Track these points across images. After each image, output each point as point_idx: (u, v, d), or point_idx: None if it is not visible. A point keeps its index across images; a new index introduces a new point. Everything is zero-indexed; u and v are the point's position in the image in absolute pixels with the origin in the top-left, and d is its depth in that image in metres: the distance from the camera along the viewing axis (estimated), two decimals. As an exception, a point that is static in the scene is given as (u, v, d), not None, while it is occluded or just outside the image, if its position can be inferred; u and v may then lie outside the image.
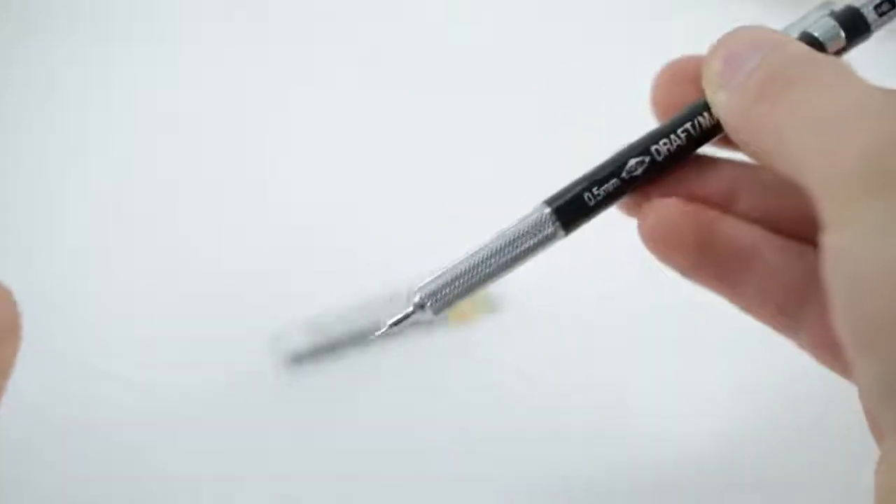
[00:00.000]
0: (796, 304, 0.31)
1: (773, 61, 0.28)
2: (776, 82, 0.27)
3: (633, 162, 0.31)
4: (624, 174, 0.31)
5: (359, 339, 0.57)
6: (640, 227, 0.31)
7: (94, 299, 0.60)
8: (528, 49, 0.70)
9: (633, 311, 0.59)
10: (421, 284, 0.32)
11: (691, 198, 0.31)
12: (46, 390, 0.56)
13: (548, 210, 0.31)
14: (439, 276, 0.32)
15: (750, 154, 0.29)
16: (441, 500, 0.53)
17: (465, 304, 0.58)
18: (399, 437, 0.55)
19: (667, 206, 0.31)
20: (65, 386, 0.56)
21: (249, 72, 0.70)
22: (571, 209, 0.31)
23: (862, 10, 0.30)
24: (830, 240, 0.25)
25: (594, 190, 0.31)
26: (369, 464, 0.54)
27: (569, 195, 0.31)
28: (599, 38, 0.71)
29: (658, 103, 0.32)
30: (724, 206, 0.31)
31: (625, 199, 0.32)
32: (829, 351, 0.31)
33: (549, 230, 0.31)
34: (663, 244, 0.31)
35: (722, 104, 0.29)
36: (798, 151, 0.26)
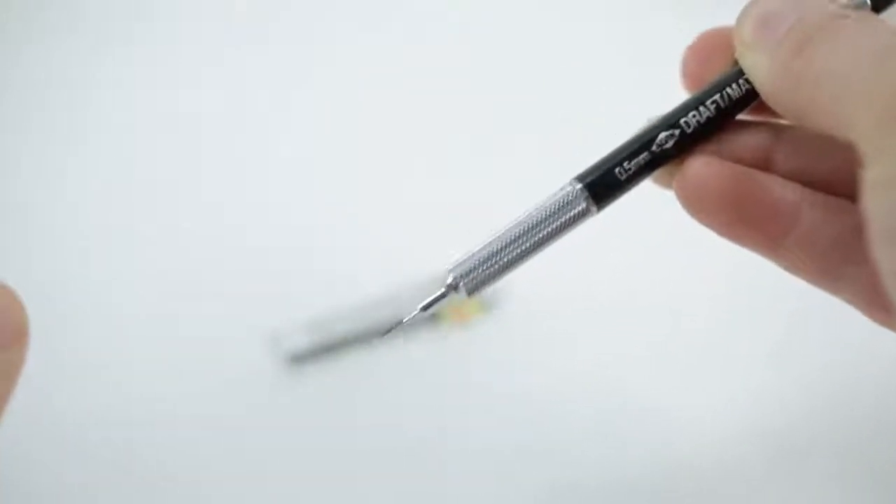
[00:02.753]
0: (840, 261, 0.31)
1: (809, 17, 0.28)
2: (814, 36, 0.27)
3: (663, 135, 0.30)
4: (654, 147, 0.30)
5: (359, 338, 0.57)
6: (677, 187, 0.31)
7: (94, 299, 0.60)
8: (527, 49, 0.70)
9: (633, 312, 0.59)
10: (453, 265, 0.31)
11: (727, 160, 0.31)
12: (46, 390, 0.56)
13: (579, 186, 0.30)
14: (471, 257, 0.31)
15: (787, 115, 0.29)
16: (440, 500, 0.53)
17: (464, 305, 0.59)
18: (398, 437, 0.55)
19: (704, 164, 0.30)
20: (65, 385, 0.56)
21: (249, 72, 0.70)
22: (603, 184, 0.30)
23: None
24: (870, 173, 0.25)
25: (625, 164, 0.30)
26: (369, 463, 0.54)
27: (600, 170, 0.31)
28: (599, 38, 0.71)
29: (688, 76, 0.32)
30: (761, 167, 0.31)
31: (660, 173, 0.31)
32: (878, 305, 0.30)
33: (582, 206, 0.30)
34: (701, 202, 0.30)
35: (758, 65, 0.29)
36: (836, 96, 0.26)
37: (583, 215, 0.31)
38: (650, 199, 0.32)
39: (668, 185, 0.31)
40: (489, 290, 0.56)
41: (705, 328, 0.58)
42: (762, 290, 0.57)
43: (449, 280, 0.31)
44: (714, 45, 0.31)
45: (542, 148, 0.65)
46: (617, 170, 0.31)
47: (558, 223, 0.31)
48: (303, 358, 0.57)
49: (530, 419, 0.55)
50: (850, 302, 0.31)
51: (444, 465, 0.54)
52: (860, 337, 0.50)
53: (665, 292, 0.60)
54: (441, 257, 0.59)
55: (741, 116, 0.31)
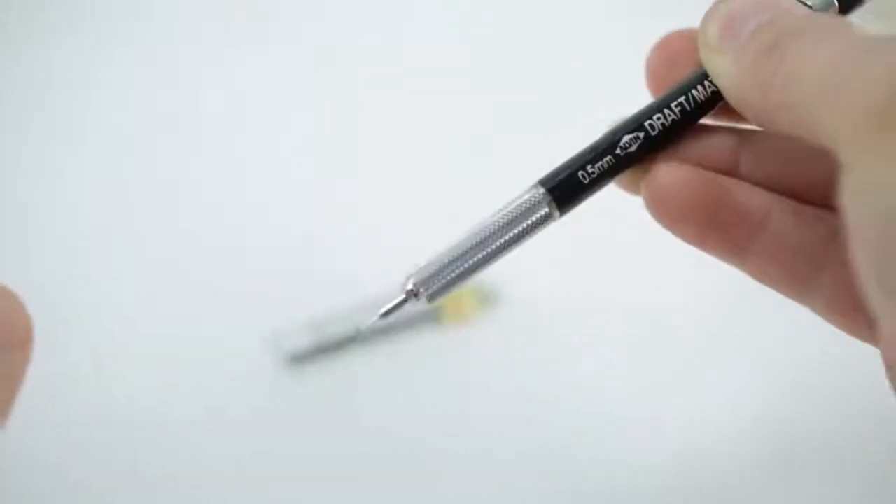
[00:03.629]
0: (810, 270, 0.30)
1: (776, 19, 0.27)
2: (782, 38, 0.27)
3: (627, 138, 0.30)
4: (618, 150, 0.30)
5: (359, 338, 0.57)
6: (645, 195, 0.30)
7: (93, 299, 0.60)
8: (527, 49, 0.70)
9: (633, 311, 0.59)
10: (413, 272, 0.31)
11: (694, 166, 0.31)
12: (46, 390, 0.56)
13: (542, 190, 0.30)
14: (432, 263, 0.31)
15: (754, 118, 0.28)
16: (440, 500, 0.53)
17: (464, 304, 0.59)
18: (398, 437, 0.55)
19: (671, 170, 0.30)
20: (64, 385, 0.56)
21: (249, 72, 0.70)
22: (566, 189, 0.30)
23: None
24: (851, 178, 0.24)
25: (588, 168, 0.30)
26: (369, 463, 0.54)
27: (563, 174, 0.30)
28: (600, 39, 0.71)
29: (653, 78, 0.32)
30: (728, 173, 0.30)
31: (624, 177, 0.31)
32: (848, 316, 0.30)
33: (544, 211, 0.30)
34: (670, 211, 0.30)
35: (723, 68, 0.28)
36: (810, 100, 0.25)
37: (545, 220, 0.30)
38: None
39: (635, 191, 0.31)
40: (489, 291, 0.56)
41: (706, 325, 0.58)
42: (763, 290, 0.57)
43: (409, 287, 0.31)
44: (679, 46, 0.31)
45: (541, 148, 0.64)
46: (580, 173, 0.30)
47: (520, 228, 0.30)
48: (303, 358, 0.57)
49: (530, 419, 0.55)
50: (816, 311, 0.31)
51: (444, 465, 0.54)
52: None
53: (666, 293, 0.60)
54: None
55: (706, 120, 0.31)
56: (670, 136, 0.30)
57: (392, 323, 0.57)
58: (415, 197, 0.63)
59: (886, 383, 0.29)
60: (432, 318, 0.57)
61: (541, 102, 0.67)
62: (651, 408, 0.55)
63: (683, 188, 0.30)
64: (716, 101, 0.30)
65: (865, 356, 0.30)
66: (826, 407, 0.55)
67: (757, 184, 0.30)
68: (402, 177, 0.65)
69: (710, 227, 0.30)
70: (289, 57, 0.70)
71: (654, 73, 0.32)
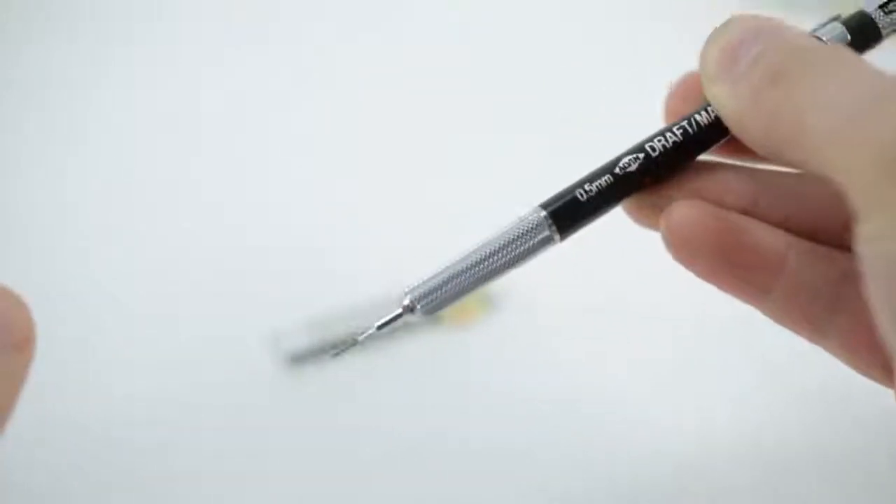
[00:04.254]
0: (825, 310, 0.30)
1: (781, 48, 0.27)
2: (788, 70, 0.26)
3: (626, 158, 0.30)
4: (617, 170, 0.30)
5: (356, 345, 0.57)
6: (663, 230, 0.30)
7: (93, 299, 0.60)
8: (527, 50, 0.70)
9: (634, 313, 0.59)
10: (411, 286, 0.31)
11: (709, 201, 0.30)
12: (45, 390, 0.56)
13: (543, 213, 0.30)
14: (431, 279, 0.31)
15: (758, 147, 0.28)
16: (441, 500, 0.53)
17: (465, 305, 0.59)
18: (398, 437, 0.55)
19: (691, 207, 0.30)
20: (63, 385, 0.56)
21: (249, 72, 0.70)
22: (566, 211, 0.30)
23: (871, 14, 0.30)
24: (866, 227, 0.24)
25: (586, 186, 0.30)
26: (369, 463, 0.54)
27: (563, 197, 0.30)
28: (600, 39, 0.71)
29: (670, 116, 0.32)
30: (746, 212, 0.30)
31: (642, 205, 0.31)
32: (863, 356, 0.30)
33: (545, 234, 0.30)
34: (687, 247, 0.30)
35: (723, 96, 0.28)
36: (819, 139, 0.25)
37: (545, 243, 0.30)
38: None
39: (651, 224, 0.31)
40: (490, 291, 0.55)
41: (707, 329, 0.58)
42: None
43: (406, 301, 0.31)
44: (694, 86, 0.31)
45: (541, 149, 0.65)
46: (578, 192, 0.30)
47: (520, 251, 0.30)
48: (303, 358, 0.57)
49: (530, 421, 0.55)
50: (829, 350, 0.31)
51: (444, 465, 0.54)
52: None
53: (667, 295, 0.59)
54: (441, 257, 0.59)
55: (722, 159, 0.31)
56: (673, 159, 0.30)
57: (393, 324, 0.57)
58: (415, 197, 0.64)
59: (890, 394, 0.29)
60: (433, 320, 0.57)
61: (541, 103, 0.67)
62: (652, 411, 0.55)
63: (701, 226, 0.30)
64: (723, 131, 0.30)
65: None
66: (829, 416, 0.55)
67: (774, 223, 0.30)
68: (402, 177, 0.65)
69: (728, 266, 0.30)
70: (289, 57, 0.70)
71: (671, 109, 0.32)
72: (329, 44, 0.71)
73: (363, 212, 0.63)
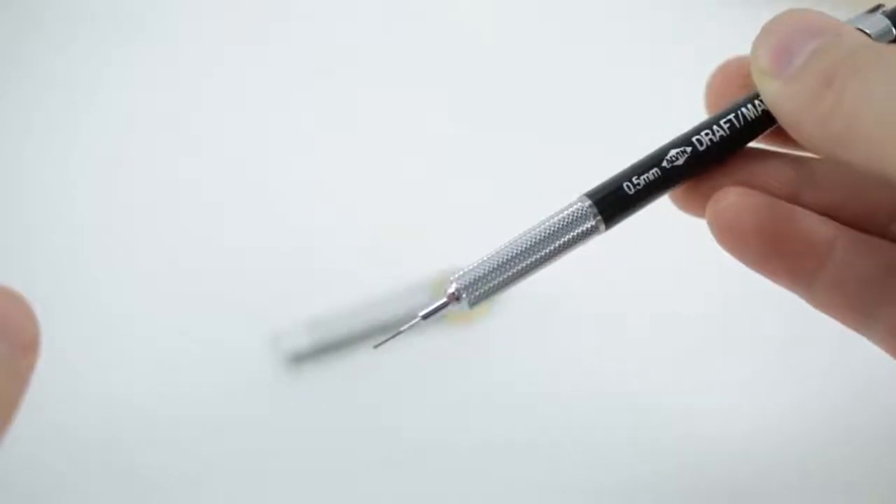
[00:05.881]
0: (871, 300, 0.30)
1: (836, 46, 0.27)
2: (842, 69, 0.26)
3: (673, 152, 0.30)
4: (665, 163, 0.30)
5: (360, 338, 0.57)
6: (709, 218, 0.30)
7: (94, 299, 0.60)
8: (528, 50, 0.70)
9: (634, 312, 0.59)
10: (457, 275, 0.31)
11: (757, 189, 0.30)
12: (45, 391, 0.56)
13: (588, 202, 0.30)
14: (476, 268, 0.31)
15: (811, 145, 0.28)
16: (442, 500, 0.53)
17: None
18: (399, 437, 0.55)
19: (738, 195, 0.30)
20: (62, 386, 0.56)
21: (249, 72, 0.70)
22: (612, 201, 0.30)
23: None
24: None
25: (634, 179, 0.30)
26: (369, 463, 0.54)
27: (609, 187, 0.30)
28: (600, 38, 0.71)
29: (711, 104, 0.32)
30: (792, 201, 0.30)
31: (688, 194, 0.31)
32: None
33: (590, 223, 0.30)
34: (734, 235, 0.30)
35: (775, 93, 0.28)
36: (875, 137, 0.25)
37: (590, 233, 0.30)
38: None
39: (696, 212, 0.31)
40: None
41: (709, 328, 0.58)
42: (766, 290, 0.57)
43: (451, 290, 0.31)
44: (738, 71, 0.31)
45: (541, 149, 0.65)
46: (625, 184, 0.30)
47: (565, 240, 0.30)
48: (303, 358, 0.57)
49: (532, 419, 0.55)
50: (875, 340, 0.30)
51: (445, 465, 0.54)
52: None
53: (668, 293, 0.60)
54: (440, 257, 0.60)
55: (766, 146, 0.31)
56: (720, 152, 0.30)
57: (394, 323, 0.57)
58: (415, 197, 0.64)
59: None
60: (434, 319, 0.57)
61: (542, 103, 0.67)
62: (653, 410, 0.55)
63: (748, 214, 0.30)
64: (768, 122, 0.30)
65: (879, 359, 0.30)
66: (835, 413, 0.55)
67: (819, 212, 0.30)
68: (403, 177, 0.65)
69: (774, 255, 0.30)
70: (289, 57, 0.70)
71: (713, 98, 0.31)
72: (329, 44, 0.71)
73: (363, 212, 0.63)
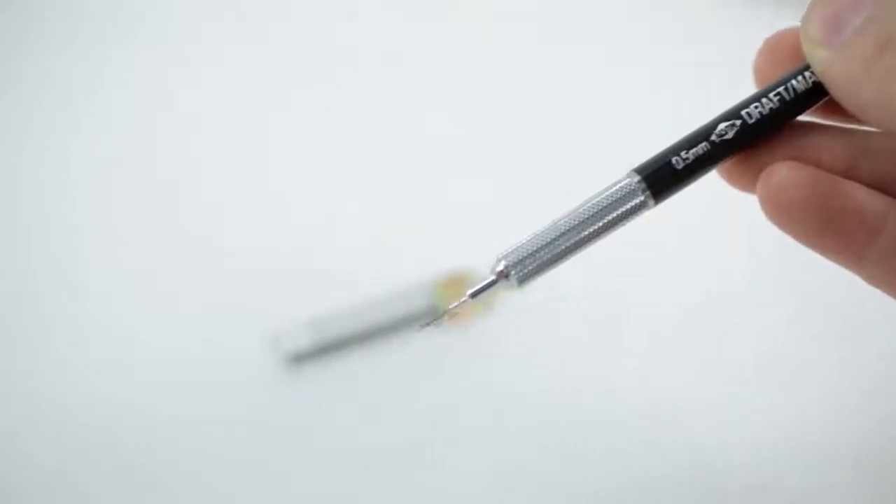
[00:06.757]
0: None
1: (891, 13, 0.27)
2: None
3: (723, 125, 0.30)
4: (714, 137, 0.30)
5: (360, 338, 0.57)
6: (760, 193, 0.30)
7: (94, 299, 0.60)
8: (530, 51, 0.70)
9: (633, 312, 0.59)
10: (505, 252, 0.30)
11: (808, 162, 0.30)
12: (45, 391, 0.56)
13: (637, 178, 0.30)
14: (524, 246, 0.30)
15: (865, 115, 0.28)
16: (440, 500, 0.53)
17: (464, 304, 0.59)
18: (398, 437, 0.55)
19: (790, 170, 0.29)
20: (63, 386, 0.56)
21: (249, 72, 0.70)
22: (660, 176, 0.30)
23: None
24: None
25: (682, 154, 0.30)
26: (369, 463, 0.54)
27: (657, 162, 0.30)
28: (601, 39, 0.71)
29: (759, 77, 0.31)
30: (844, 175, 0.30)
31: (738, 168, 0.30)
32: None
33: (639, 199, 0.30)
34: (785, 210, 0.29)
35: (827, 62, 0.28)
36: None
37: (639, 209, 0.30)
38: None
39: (745, 187, 0.31)
40: (489, 291, 0.55)
41: (709, 328, 0.58)
42: (767, 290, 0.57)
43: (500, 267, 0.30)
44: (786, 44, 0.30)
45: (541, 149, 0.65)
46: (674, 159, 0.30)
47: (613, 216, 0.30)
48: (303, 358, 0.57)
49: (531, 419, 0.55)
50: None
51: (444, 465, 0.54)
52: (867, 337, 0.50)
53: (668, 292, 0.60)
54: (441, 257, 0.60)
55: (816, 119, 0.30)
56: (770, 126, 0.30)
57: (392, 323, 0.57)
58: (415, 197, 0.63)
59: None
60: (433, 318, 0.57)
61: (542, 103, 0.67)
62: (654, 409, 0.55)
63: (800, 189, 0.29)
64: (818, 95, 0.30)
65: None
66: (836, 413, 0.55)
67: (870, 185, 0.30)
68: (403, 177, 0.65)
69: (826, 229, 0.30)
70: (289, 57, 0.70)
71: (760, 71, 0.31)
72: (329, 44, 0.71)
73: (363, 212, 0.63)
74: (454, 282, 0.58)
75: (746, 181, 0.31)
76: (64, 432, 0.55)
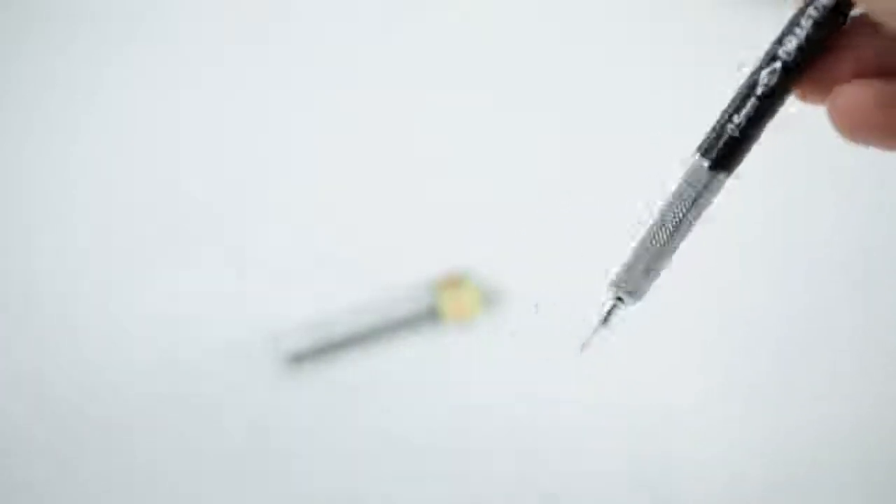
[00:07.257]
0: None
1: None
2: None
3: (764, 74, 0.29)
4: (759, 91, 0.29)
5: (360, 338, 0.57)
6: (832, 117, 0.29)
7: (94, 299, 0.60)
8: (531, 51, 0.70)
9: (635, 312, 0.59)
10: (616, 277, 0.32)
11: (872, 71, 0.29)
12: (45, 391, 0.56)
13: (697, 156, 0.30)
14: (633, 263, 0.31)
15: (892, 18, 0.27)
16: (440, 500, 0.53)
17: (465, 304, 0.59)
18: (398, 437, 0.55)
19: (855, 90, 0.29)
20: (65, 386, 0.56)
21: (249, 72, 0.70)
22: (721, 148, 0.29)
23: None
24: None
25: (735, 119, 0.29)
26: (369, 463, 0.54)
27: (713, 135, 0.30)
28: (601, 39, 0.71)
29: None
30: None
31: (804, 94, 0.30)
32: None
33: (708, 176, 0.30)
34: (857, 131, 0.29)
35: None
36: None
37: (714, 185, 0.30)
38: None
39: (816, 100, 0.30)
40: (490, 290, 0.55)
41: (709, 328, 0.58)
42: (766, 290, 0.57)
43: (619, 294, 0.32)
44: None
45: (541, 149, 0.65)
46: (729, 127, 0.30)
47: (691, 200, 0.30)
48: (303, 358, 0.57)
49: (531, 419, 0.55)
50: None
51: (444, 465, 0.54)
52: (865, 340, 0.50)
53: (668, 292, 0.59)
54: (440, 257, 0.60)
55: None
56: (811, 52, 0.29)
57: (392, 323, 0.57)
58: (415, 197, 0.63)
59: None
60: (432, 318, 0.57)
61: (542, 103, 0.67)
62: (655, 409, 0.55)
63: (868, 109, 0.29)
64: (849, 3, 0.28)
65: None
66: (837, 413, 0.55)
67: None
68: (403, 177, 0.65)
69: None
70: (288, 57, 0.70)
71: None
72: (329, 44, 0.71)
73: (364, 212, 0.63)
74: (454, 282, 0.58)
75: (819, 101, 0.30)
76: (63, 432, 0.55)
